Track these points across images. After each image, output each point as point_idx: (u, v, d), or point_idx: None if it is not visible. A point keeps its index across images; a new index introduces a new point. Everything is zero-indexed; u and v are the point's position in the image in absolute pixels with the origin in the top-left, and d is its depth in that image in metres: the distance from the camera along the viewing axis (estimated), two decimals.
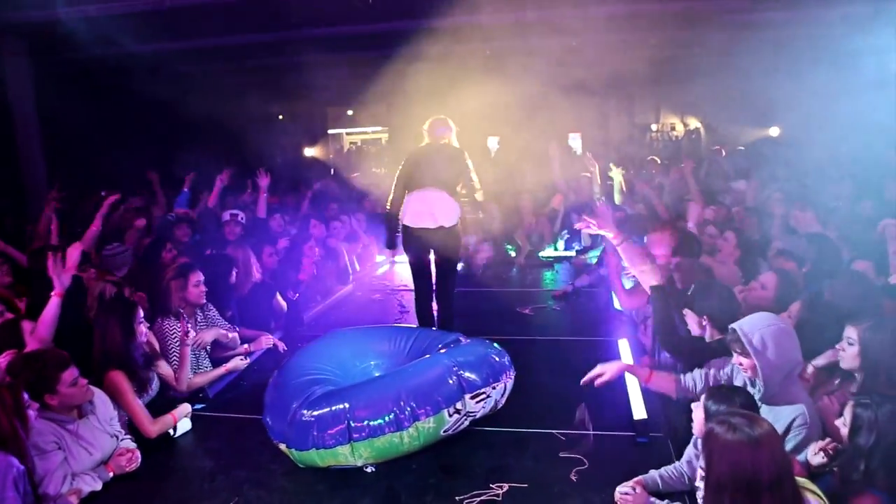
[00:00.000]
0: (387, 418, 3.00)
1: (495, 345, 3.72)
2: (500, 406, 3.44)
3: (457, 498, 2.97)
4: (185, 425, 3.68)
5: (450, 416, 3.12)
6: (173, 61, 10.53)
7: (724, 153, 10.80)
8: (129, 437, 3.37)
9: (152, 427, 3.45)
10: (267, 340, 4.57)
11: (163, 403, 3.73)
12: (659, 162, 9.68)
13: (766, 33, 9.36)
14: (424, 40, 10.54)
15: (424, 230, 4.33)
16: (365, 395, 3.10)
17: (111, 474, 3.16)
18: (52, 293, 3.39)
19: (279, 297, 5.09)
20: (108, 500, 3.07)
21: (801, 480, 2.15)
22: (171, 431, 3.59)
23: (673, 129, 18.34)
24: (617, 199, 6.64)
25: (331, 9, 8.67)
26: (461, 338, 3.88)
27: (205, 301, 4.26)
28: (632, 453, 3.31)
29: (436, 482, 3.13)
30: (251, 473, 3.25)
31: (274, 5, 8.45)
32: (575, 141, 18.52)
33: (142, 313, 3.61)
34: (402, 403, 3.04)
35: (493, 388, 3.30)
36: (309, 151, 17.79)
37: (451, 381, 3.15)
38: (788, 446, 2.55)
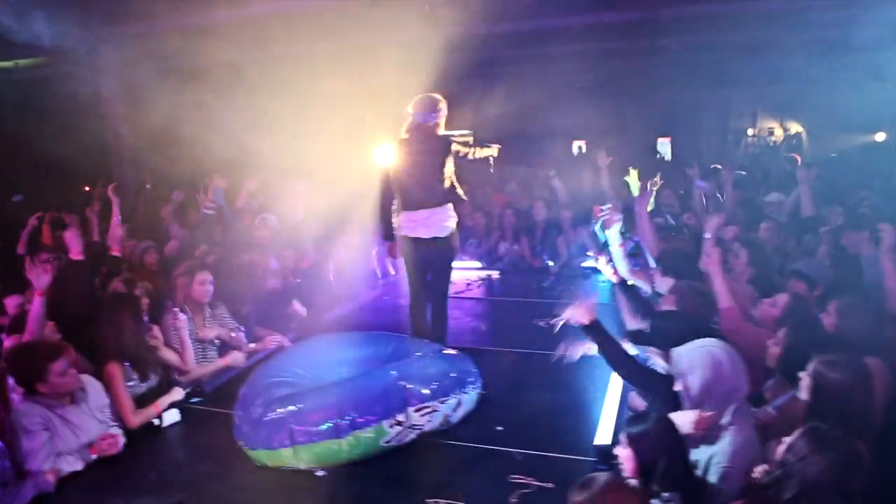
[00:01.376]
0: (326, 426, 3.08)
1: (466, 359, 3.71)
2: (453, 420, 3.42)
3: None
4: (173, 416, 3.93)
5: (390, 427, 3.15)
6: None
7: (798, 161, 9.95)
8: (116, 424, 3.66)
9: (135, 418, 3.72)
10: (272, 340, 4.78)
11: (162, 392, 4.02)
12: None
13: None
14: (507, 43, 10.59)
15: (418, 239, 4.35)
16: (311, 401, 3.20)
17: (94, 456, 3.45)
18: (35, 293, 3.70)
19: (296, 303, 5.30)
20: (85, 480, 3.35)
21: None
22: (158, 421, 3.86)
23: (771, 133, 17.12)
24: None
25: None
26: (441, 349, 3.90)
27: (209, 300, 4.51)
28: None
29: (378, 492, 3.16)
30: (215, 468, 3.42)
31: None
32: (664, 146, 17.82)
33: (144, 307, 3.90)
34: (342, 412, 3.10)
35: (442, 402, 3.29)
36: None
37: (395, 394, 3.17)
38: (712, 479, 2.45)
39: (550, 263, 7.32)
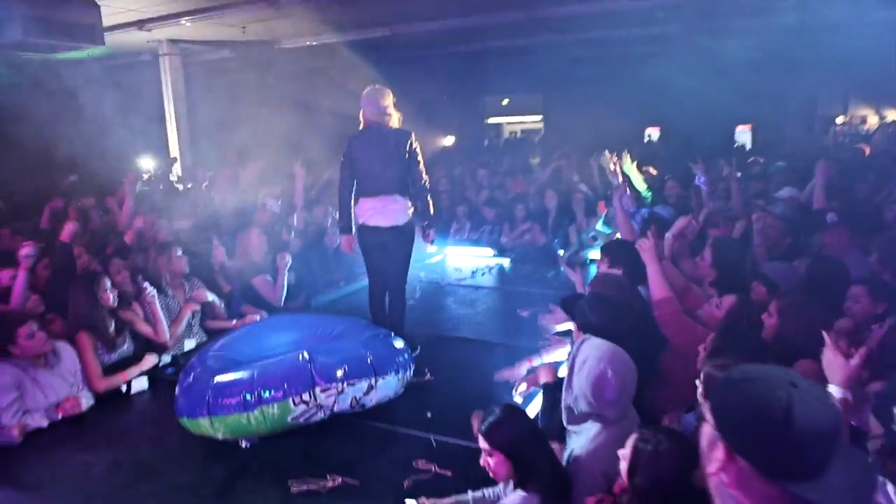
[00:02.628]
0: (236, 399, 3.28)
1: (396, 345, 3.81)
2: (368, 404, 3.53)
3: (289, 481, 3.17)
4: (140, 384, 4.28)
5: (295, 405, 3.30)
6: (313, 55, 11.64)
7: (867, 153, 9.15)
8: (85, 388, 4.05)
9: (100, 383, 4.09)
10: (252, 318, 5.06)
11: (136, 361, 4.38)
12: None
13: None
14: (580, 27, 10.40)
15: (375, 228, 4.46)
16: (229, 375, 3.40)
17: (59, 416, 3.84)
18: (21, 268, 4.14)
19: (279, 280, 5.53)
20: (46, 435, 3.73)
21: None
22: (125, 388, 4.22)
23: (863, 122, 15.71)
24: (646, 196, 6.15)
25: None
26: (385, 335, 4.02)
27: (188, 271, 4.86)
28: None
29: (289, 465, 3.33)
30: (157, 433, 3.73)
31: None
32: (744, 135, 16.78)
33: (108, 283, 4.26)
34: (252, 387, 3.29)
35: (352, 384, 3.40)
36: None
37: (302, 373, 3.32)
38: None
39: (561, 252, 7.22)
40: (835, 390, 1.97)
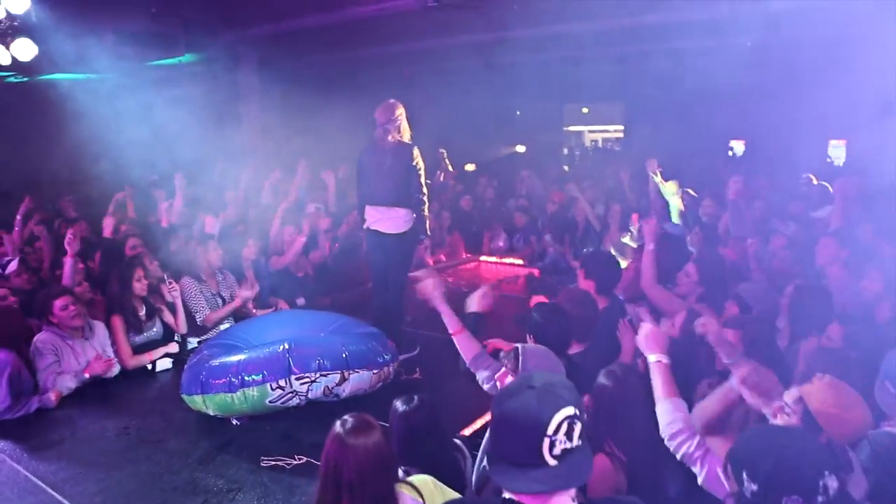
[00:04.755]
0: (223, 380, 3.69)
1: (379, 344, 4.12)
2: (342, 394, 3.84)
3: (262, 457, 3.54)
4: (165, 364, 4.82)
5: (272, 389, 3.67)
6: (400, 62, 12.11)
7: None
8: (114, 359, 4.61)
9: (129, 361, 4.65)
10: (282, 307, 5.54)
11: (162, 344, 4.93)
12: None
13: None
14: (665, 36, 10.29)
15: (378, 233, 4.79)
16: (222, 358, 3.83)
17: (87, 376, 4.38)
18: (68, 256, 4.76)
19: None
20: (74, 401, 4.28)
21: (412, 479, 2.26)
22: (150, 366, 4.76)
23: None
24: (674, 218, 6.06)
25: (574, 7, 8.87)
26: (372, 332, 4.33)
27: (221, 265, 5.36)
28: None
29: (268, 443, 3.73)
30: (166, 407, 4.21)
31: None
32: (837, 149, 15.83)
33: (141, 273, 4.82)
34: (238, 371, 3.69)
35: (325, 375, 3.73)
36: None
37: (280, 361, 3.69)
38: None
39: None
40: (653, 357, 2.39)
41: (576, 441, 1.40)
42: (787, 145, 12.14)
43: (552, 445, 1.38)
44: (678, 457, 2.24)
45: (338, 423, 2.16)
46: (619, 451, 2.49)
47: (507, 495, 1.44)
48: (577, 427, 1.40)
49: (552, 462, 1.38)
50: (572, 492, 1.43)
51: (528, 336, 3.21)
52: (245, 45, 11.11)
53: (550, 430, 1.37)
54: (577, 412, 1.41)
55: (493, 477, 1.48)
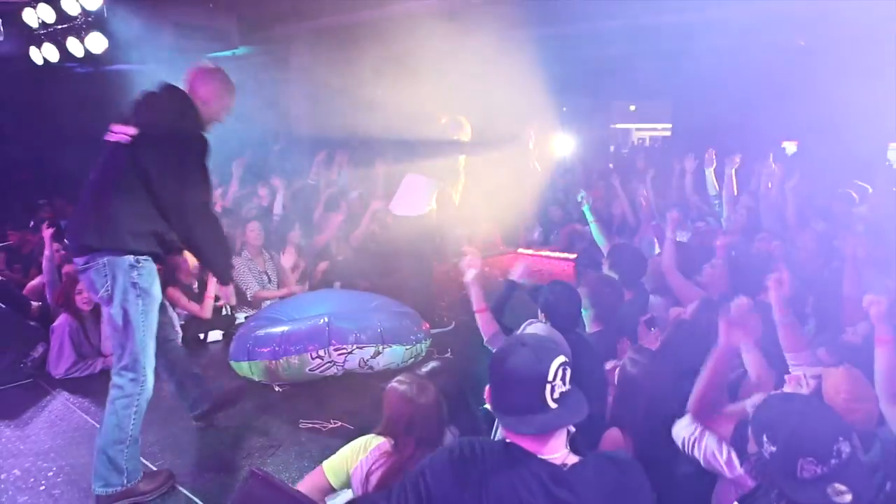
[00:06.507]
0: (268, 349, 4.00)
1: (409, 322, 4.37)
2: (375, 366, 4.11)
3: (300, 420, 3.84)
4: (216, 335, 5.19)
5: (312, 358, 3.97)
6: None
7: None
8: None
9: (201, 312, 5.06)
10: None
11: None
12: None
13: None
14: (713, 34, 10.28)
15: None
16: (268, 329, 4.15)
17: None
18: None
19: None
20: None
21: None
22: (202, 336, 5.13)
23: None
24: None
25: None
26: (408, 312, 4.59)
27: (262, 243, 5.72)
28: None
29: (305, 408, 4.02)
30: (216, 373, 4.55)
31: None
32: (894, 152, 15.33)
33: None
34: (281, 342, 4.00)
35: (361, 348, 4.01)
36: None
37: (320, 334, 3.98)
38: None
39: None
40: None
41: (568, 384, 1.61)
42: (844, 148, 11.89)
43: (552, 390, 1.59)
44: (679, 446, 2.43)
45: (395, 384, 2.55)
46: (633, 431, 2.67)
47: (508, 440, 1.65)
48: (569, 372, 1.62)
49: (553, 406, 1.59)
50: (564, 438, 1.64)
51: (539, 312, 3.40)
52: (296, 38, 11.54)
53: (550, 377, 1.59)
54: (566, 359, 1.62)
55: (504, 427, 1.68)
